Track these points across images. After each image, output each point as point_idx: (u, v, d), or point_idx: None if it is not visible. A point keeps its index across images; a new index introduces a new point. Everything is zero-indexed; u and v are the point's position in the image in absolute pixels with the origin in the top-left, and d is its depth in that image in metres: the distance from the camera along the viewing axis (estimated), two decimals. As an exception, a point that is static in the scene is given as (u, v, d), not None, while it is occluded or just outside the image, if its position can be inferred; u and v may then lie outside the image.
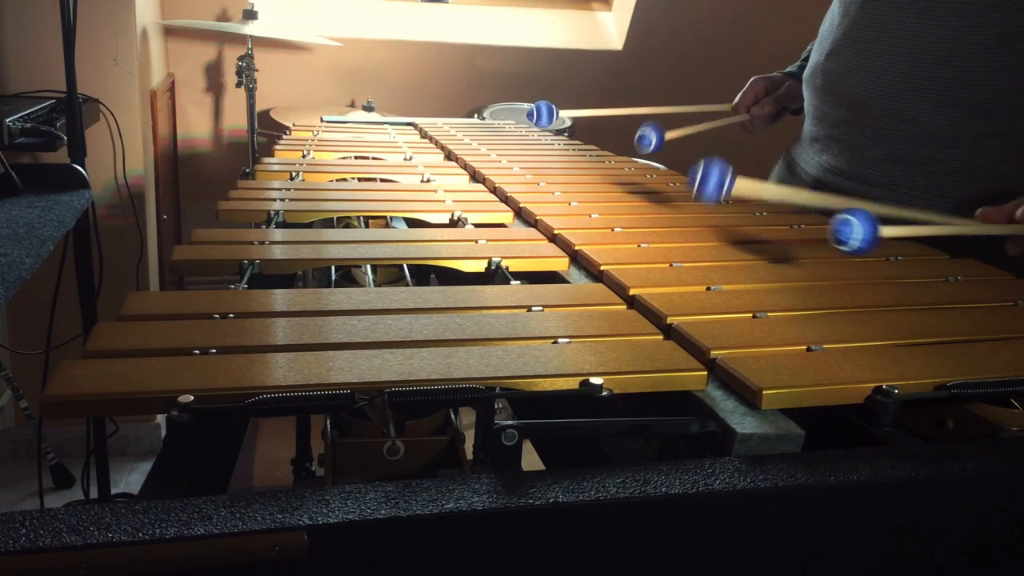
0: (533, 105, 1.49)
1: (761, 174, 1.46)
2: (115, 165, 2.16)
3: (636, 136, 1.32)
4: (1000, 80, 1.09)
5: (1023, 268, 0.94)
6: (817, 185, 1.31)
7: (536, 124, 1.51)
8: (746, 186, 0.98)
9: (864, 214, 0.82)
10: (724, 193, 0.95)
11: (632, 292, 0.81)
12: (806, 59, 1.46)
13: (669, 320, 0.73)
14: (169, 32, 2.85)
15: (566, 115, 1.54)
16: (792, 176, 1.39)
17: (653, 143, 1.31)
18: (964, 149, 1.15)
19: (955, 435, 0.65)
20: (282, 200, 1.16)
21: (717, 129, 1.50)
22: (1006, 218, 0.96)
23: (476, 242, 0.99)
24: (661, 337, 0.71)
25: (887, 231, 0.85)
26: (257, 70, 2.70)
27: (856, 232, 0.82)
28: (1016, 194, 0.97)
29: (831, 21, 1.29)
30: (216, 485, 0.69)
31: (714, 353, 0.66)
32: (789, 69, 1.51)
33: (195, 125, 3.03)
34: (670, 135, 1.35)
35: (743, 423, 0.58)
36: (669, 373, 0.62)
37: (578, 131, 2.81)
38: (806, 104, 1.36)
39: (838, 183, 1.26)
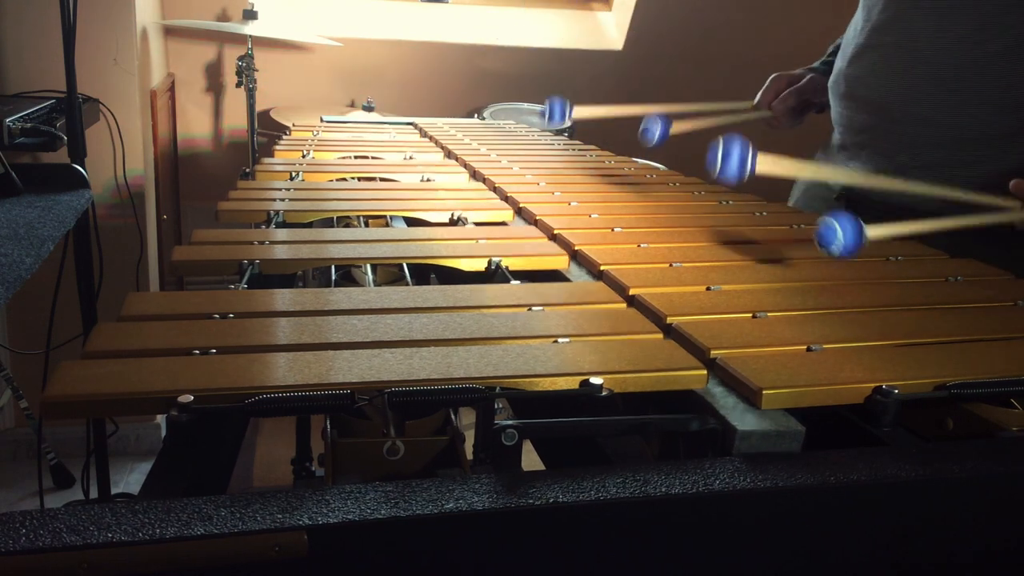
0: (547, 101, 1.39)
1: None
2: (115, 165, 2.16)
3: (640, 128, 1.25)
4: None
5: (1022, 268, 0.94)
6: (846, 192, 1.28)
7: (549, 123, 1.44)
8: (770, 163, 0.92)
9: (848, 218, 0.81)
10: (747, 171, 0.89)
11: (632, 292, 0.81)
12: (832, 54, 1.44)
13: (669, 320, 0.73)
14: (169, 32, 2.85)
15: (582, 113, 1.45)
16: (820, 184, 1.35)
17: (657, 135, 1.24)
18: (994, 149, 1.12)
19: (955, 435, 0.65)
20: (282, 200, 1.16)
21: (734, 124, 1.44)
22: None
23: (476, 241, 0.99)
24: (661, 336, 0.71)
25: (874, 232, 0.84)
26: (257, 70, 2.70)
27: (839, 237, 0.81)
28: None
29: (854, 27, 1.27)
30: (216, 485, 0.69)
31: (714, 353, 0.66)
32: (812, 66, 1.47)
33: (195, 125, 3.03)
34: (680, 127, 1.27)
35: (743, 420, 0.58)
36: (669, 372, 0.62)
37: (578, 131, 2.81)
38: (832, 111, 1.33)
39: (866, 191, 1.23)
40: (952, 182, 1.13)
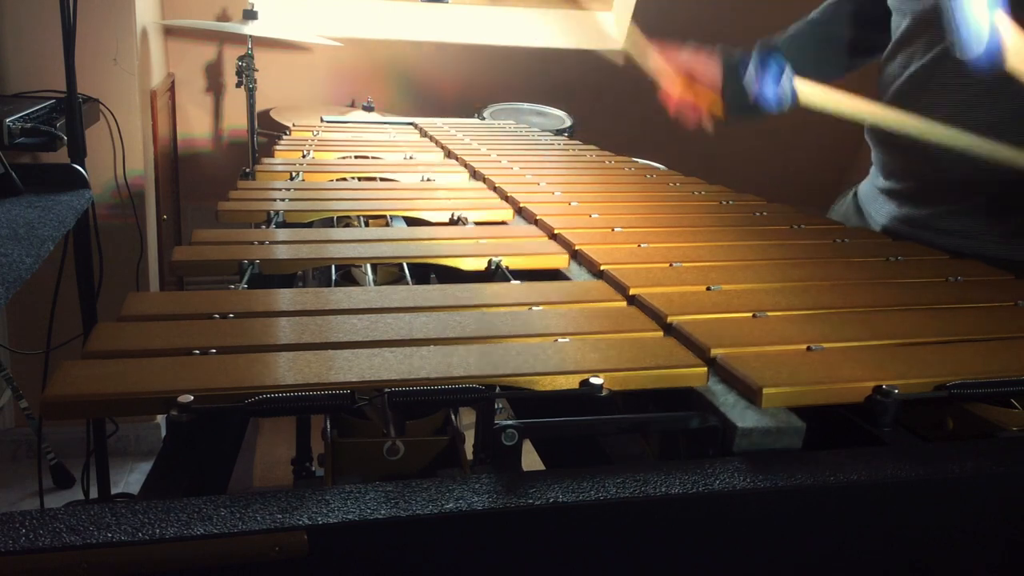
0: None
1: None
2: (115, 165, 2.16)
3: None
4: None
5: (1023, 268, 0.93)
6: (886, 233, 1.23)
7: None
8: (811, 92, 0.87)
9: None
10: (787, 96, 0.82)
11: (632, 292, 0.81)
12: (785, 42, 1.36)
13: (669, 319, 0.73)
14: (169, 32, 2.85)
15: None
16: (861, 221, 1.31)
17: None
18: None
19: (955, 435, 0.65)
20: (282, 200, 1.16)
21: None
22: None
23: (476, 240, 0.99)
24: (661, 333, 0.71)
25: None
26: (257, 70, 2.70)
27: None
28: None
29: (891, 73, 1.21)
30: (216, 485, 0.69)
31: (714, 352, 0.66)
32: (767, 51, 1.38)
33: (195, 125, 3.03)
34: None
35: (744, 417, 0.58)
36: (669, 370, 0.62)
37: (578, 131, 2.81)
38: (873, 155, 1.29)
39: (908, 232, 1.20)
40: (997, 223, 1.11)
